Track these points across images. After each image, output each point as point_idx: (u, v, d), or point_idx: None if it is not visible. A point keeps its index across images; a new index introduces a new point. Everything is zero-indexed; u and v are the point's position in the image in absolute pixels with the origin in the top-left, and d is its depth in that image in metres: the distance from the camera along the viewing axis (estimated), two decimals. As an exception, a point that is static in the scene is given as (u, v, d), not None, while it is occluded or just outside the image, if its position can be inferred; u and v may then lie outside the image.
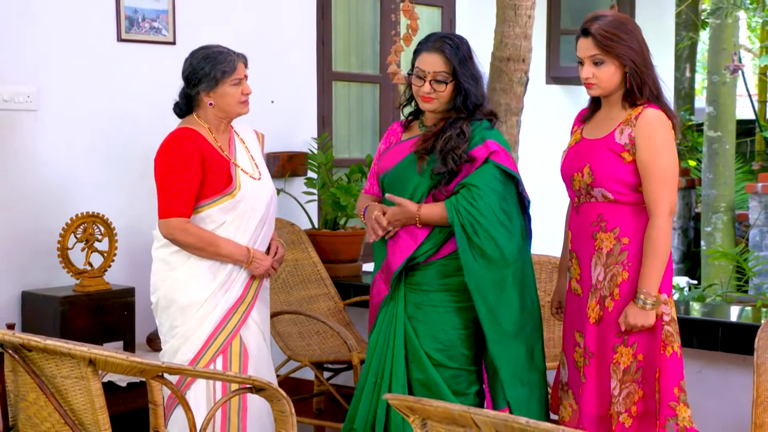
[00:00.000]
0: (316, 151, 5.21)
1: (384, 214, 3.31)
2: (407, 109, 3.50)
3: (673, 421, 3.07)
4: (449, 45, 3.27)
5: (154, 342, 4.43)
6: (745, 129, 11.63)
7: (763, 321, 3.36)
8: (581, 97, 7.36)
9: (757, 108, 11.48)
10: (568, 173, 3.24)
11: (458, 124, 3.25)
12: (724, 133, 9.67)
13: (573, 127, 3.34)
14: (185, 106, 3.54)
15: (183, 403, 2.52)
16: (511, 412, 3.22)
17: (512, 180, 3.28)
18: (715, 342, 3.86)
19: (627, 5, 7.56)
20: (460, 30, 6.21)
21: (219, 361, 3.44)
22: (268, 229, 3.59)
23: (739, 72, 9.23)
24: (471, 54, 3.31)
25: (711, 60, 9.89)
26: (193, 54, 3.51)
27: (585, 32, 3.11)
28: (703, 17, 11.94)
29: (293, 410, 2.58)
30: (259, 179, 3.57)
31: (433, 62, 3.27)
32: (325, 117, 5.59)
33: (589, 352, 3.17)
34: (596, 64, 3.11)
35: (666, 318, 3.08)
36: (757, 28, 12.96)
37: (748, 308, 4.47)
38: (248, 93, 3.51)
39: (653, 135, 3.06)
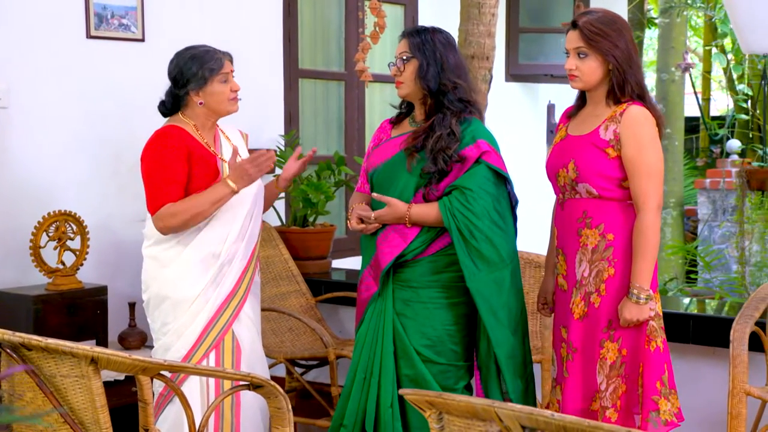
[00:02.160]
0: (284, 149, 5.21)
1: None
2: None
3: (655, 415, 3.12)
4: (417, 30, 3.35)
5: (126, 341, 4.40)
6: (690, 126, 11.84)
7: (737, 314, 3.44)
8: (540, 95, 7.54)
9: (701, 105, 11.68)
10: (553, 169, 3.27)
11: (447, 123, 3.25)
12: (673, 131, 9.83)
13: (558, 125, 3.36)
14: (171, 104, 3.53)
15: (183, 401, 2.51)
16: None
17: (503, 180, 3.30)
18: (686, 335, 3.94)
19: (582, 3, 7.65)
20: (423, 28, 6.24)
21: (212, 356, 3.44)
22: (255, 222, 3.59)
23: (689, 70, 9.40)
24: (446, 42, 3.32)
25: (660, 58, 10.04)
26: (179, 55, 3.49)
27: (574, 24, 3.17)
28: (649, 16, 12.11)
29: (290, 407, 2.59)
30: None
31: (400, 46, 3.36)
32: (292, 114, 5.59)
33: (572, 348, 3.21)
34: (580, 56, 3.15)
35: (651, 313, 3.11)
36: (699, 28, 13.17)
37: (723, 301, 4.56)
38: (236, 90, 3.50)
39: (639, 131, 3.10)
